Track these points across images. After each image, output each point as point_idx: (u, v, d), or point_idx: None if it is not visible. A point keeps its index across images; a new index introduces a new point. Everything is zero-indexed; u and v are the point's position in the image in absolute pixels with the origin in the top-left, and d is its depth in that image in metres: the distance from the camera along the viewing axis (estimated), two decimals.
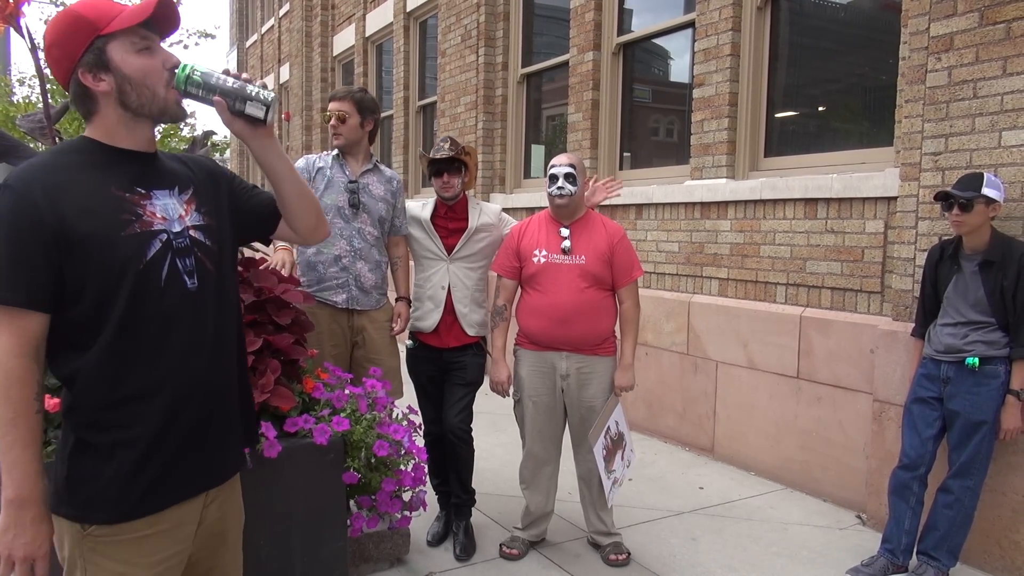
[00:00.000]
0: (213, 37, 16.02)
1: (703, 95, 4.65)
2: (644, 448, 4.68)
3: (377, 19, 9.81)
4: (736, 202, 4.45)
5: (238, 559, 1.67)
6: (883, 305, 3.69)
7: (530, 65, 6.80)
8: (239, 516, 1.66)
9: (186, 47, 14.17)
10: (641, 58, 5.74)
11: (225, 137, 17.51)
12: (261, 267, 2.71)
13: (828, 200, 3.93)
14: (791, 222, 4.13)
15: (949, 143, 3.20)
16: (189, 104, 1.53)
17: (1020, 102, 2.96)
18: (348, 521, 2.62)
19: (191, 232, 1.46)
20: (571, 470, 3.28)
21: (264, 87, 1.46)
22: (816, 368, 3.96)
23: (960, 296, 2.91)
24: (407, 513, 2.79)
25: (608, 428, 3.04)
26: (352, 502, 2.66)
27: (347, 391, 2.68)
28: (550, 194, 3.02)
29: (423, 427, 3.26)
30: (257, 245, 2.01)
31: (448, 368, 3.24)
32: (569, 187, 2.97)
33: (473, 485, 3.31)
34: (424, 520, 3.28)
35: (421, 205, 3.36)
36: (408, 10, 8.81)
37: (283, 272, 2.79)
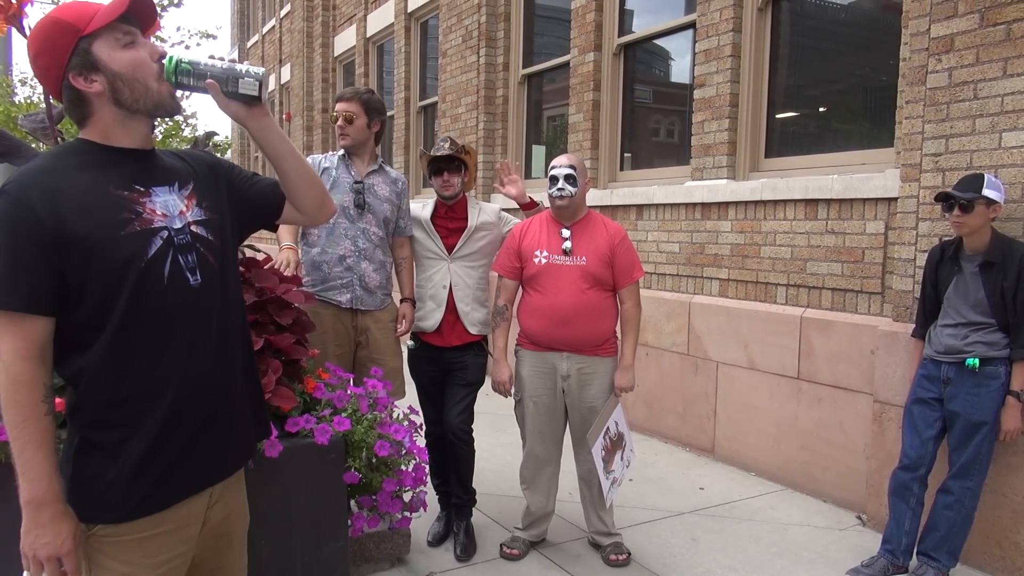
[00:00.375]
0: (214, 37, 16.06)
1: (704, 96, 4.66)
2: (644, 449, 4.69)
3: (378, 20, 9.82)
4: (737, 203, 4.45)
5: (242, 559, 1.67)
6: (883, 306, 3.69)
7: (531, 66, 6.81)
8: (244, 517, 1.66)
9: (187, 47, 14.18)
10: (642, 59, 5.75)
11: (226, 137, 17.53)
12: (264, 267, 2.71)
13: (829, 201, 3.93)
14: (792, 223, 4.13)
15: (949, 144, 3.21)
16: (190, 103, 1.54)
17: (1020, 103, 2.96)
18: (349, 521, 2.62)
19: (192, 228, 1.46)
20: (571, 471, 3.28)
21: (251, 65, 1.48)
22: (816, 369, 3.96)
23: (960, 297, 2.91)
24: (408, 513, 2.80)
25: (607, 428, 3.05)
26: (353, 502, 2.67)
27: (348, 391, 2.68)
28: (551, 195, 3.02)
29: (424, 427, 3.27)
30: (260, 245, 2.01)
31: (449, 368, 3.24)
32: (569, 188, 2.97)
33: (474, 485, 3.31)
34: (425, 520, 3.28)
35: (421, 205, 3.36)
36: (409, 11, 8.82)
37: (288, 271, 2.79)
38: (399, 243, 3.31)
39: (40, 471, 1.31)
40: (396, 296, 3.31)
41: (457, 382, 3.23)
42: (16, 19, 2.47)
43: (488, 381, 3.26)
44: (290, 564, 2.44)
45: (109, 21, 1.37)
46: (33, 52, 1.40)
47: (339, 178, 3.16)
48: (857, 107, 4.25)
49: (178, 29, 25.05)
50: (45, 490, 1.32)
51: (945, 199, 2.88)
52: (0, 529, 1.91)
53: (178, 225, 1.44)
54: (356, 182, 3.16)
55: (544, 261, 3.00)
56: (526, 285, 3.10)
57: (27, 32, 2.48)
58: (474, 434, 3.26)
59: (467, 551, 3.17)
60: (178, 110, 1.51)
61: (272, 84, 15.13)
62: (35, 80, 14.28)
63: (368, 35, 10.18)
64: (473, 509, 3.33)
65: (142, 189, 1.42)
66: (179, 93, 1.48)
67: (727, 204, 4.51)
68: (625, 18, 5.62)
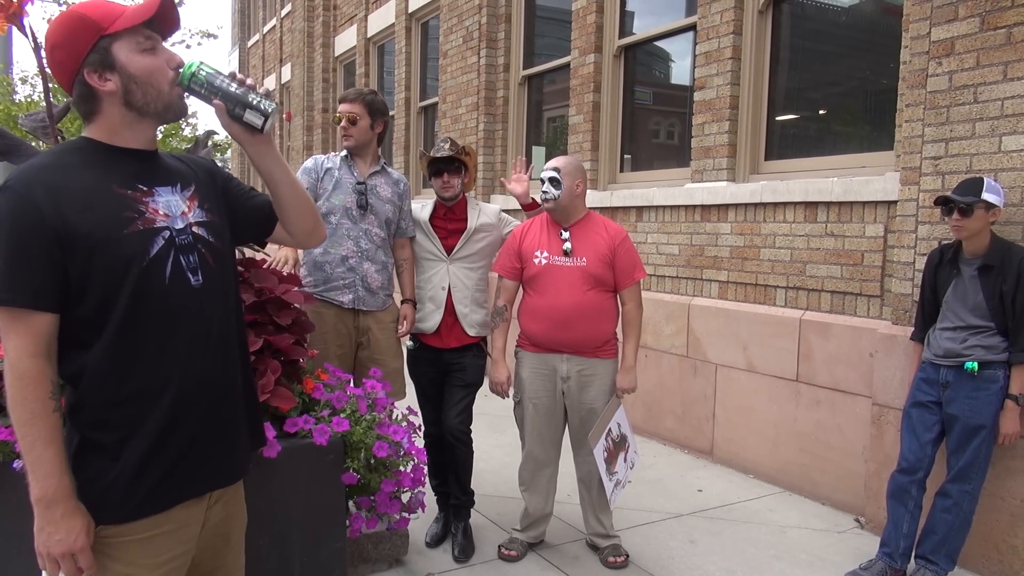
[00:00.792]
0: (215, 37, 16.05)
1: (704, 98, 4.66)
2: (643, 450, 4.68)
3: (379, 20, 9.82)
4: (736, 205, 4.45)
5: (240, 559, 1.67)
6: (883, 309, 3.69)
7: (531, 67, 6.81)
8: (242, 517, 1.66)
9: (188, 47, 14.18)
10: (642, 61, 5.75)
11: (226, 137, 17.53)
12: (263, 267, 2.71)
13: (828, 204, 3.93)
14: (791, 225, 4.14)
15: (949, 147, 3.21)
16: (191, 104, 1.54)
17: (1020, 107, 2.96)
18: (347, 522, 2.62)
19: (194, 229, 1.47)
20: (570, 472, 3.28)
21: (267, 96, 1.47)
22: (815, 371, 3.96)
23: (959, 300, 2.91)
24: (406, 514, 2.80)
25: (609, 430, 3.04)
26: (351, 503, 2.66)
27: (347, 392, 2.68)
28: (540, 198, 3.04)
29: (422, 428, 3.26)
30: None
31: (448, 369, 3.24)
32: (553, 191, 2.98)
33: (472, 486, 3.31)
34: (423, 521, 3.28)
35: (420, 206, 3.36)
36: (410, 11, 8.82)
37: (287, 270, 2.79)
38: (400, 244, 3.31)
39: (50, 468, 1.31)
40: (397, 297, 3.31)
41: (456, 383, 3.23)
42: (16, 18, 2.47)
43: (487, 382, 3.26)
44: (288, 565, 2.44)
45: (133, 25, 1.38)
46: (51, 43, 1.39)
47: (341, 179, 3.16)
48: (857, 110, 4.25)
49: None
50: (56, 487, 1.31)
51: (944, 203, 2.88)
52: None
53: (180, 225, 1.44)
54: (359, 183, 3.16)
55: (544, 262, 3.00)
56: (526, 286, 3.10)
57: (27, 31, 2.48)
58: (473, 435, 3.26)
59: (465, 552, 3.17)
60: (185, 113, 1.51)
61: (272, 84, 15.12)
62: (35, 79, 14.29)
63: (369, 35, 10.18)
64: (471, 510, 3.33)
65: (145, 189, 1.42)
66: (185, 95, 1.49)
67: (727, 206, 4.52)
68: (626, 20, 5.63)
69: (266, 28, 16.06)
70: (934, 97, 3.25)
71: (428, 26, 8.79)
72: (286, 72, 14.02)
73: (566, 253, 2.99)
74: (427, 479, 2.98)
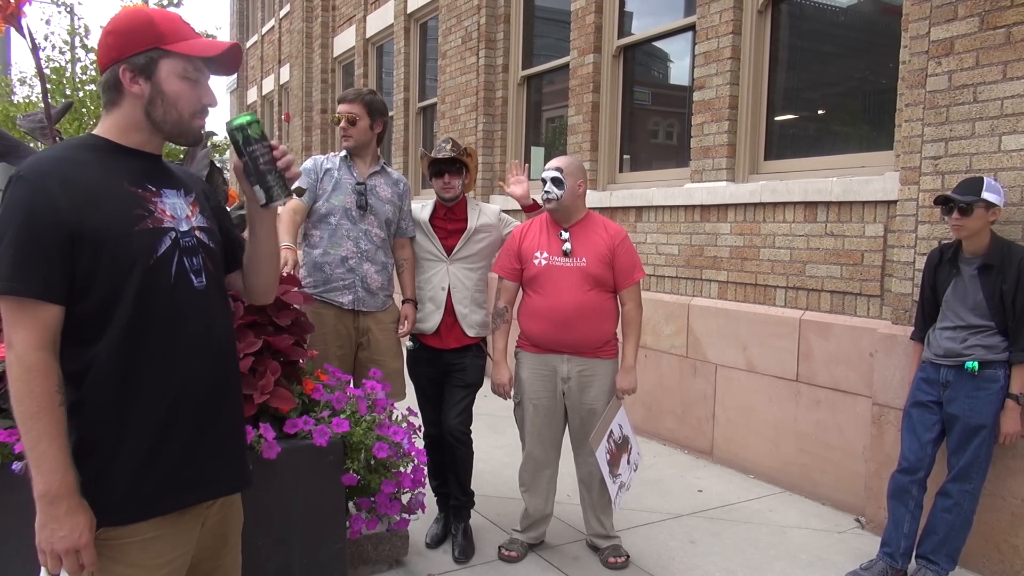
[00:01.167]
0: (214, 38, 16.02)
1: (703, 98, 4.66)
2: (643, 450, 4.65)
3: (378, 20, 9.82)
4: (736, 205, 4.45)
5: (238, 559, 1.67)
6: (882, 309, 3.69)
7: (530, 67, 6.81)
8: (239, 518, 1.66)
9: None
10: (641, 61, 5.75)
11: (225, 138, 17.52)
12: None
13: (828, 203, 3.93)
14: (791, 225, 4.13)
15: (949, 147, 3.21)
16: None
17: (1020, 107, 2.96)
18: (347, 523, 2.61)
19: (197, 233, 1.49)
20: (570, 472, 3.28)
21: (287, 181, 1.50)
22: (815, 371, 3.96)
23: (959, 300, 2.91)
24: (406, 515, 2.79)
25: (611, 432, 3.04)
26: (351, 504, 2.66)
27: (347, 392, 2.68)
28: (541, 198, 3.04)
29: (422, 429, 3.26)
30: None
31: (448, 370, 3.24)
32: (555, 191, 2.97)
33: (472, 487, 3.30)
34: (423, 522, 3.28)
35: (420, 206, 3.36)
36: (409, 12, 8.82)
37: (286, 270, 2.78)
38: (401, 244, 3.31)
39: (55, 463, 1.30)
40: (398, 297, 3.30)
41: (456, 383, 3.22)
42: (15, 18, 2.46)
43: (487, 383, 3.25)
44: (288, 566, 2.44)
45: (191, 54, 1.41)
46: (111, 27, 1.43)
47: (341, 179, 3.15)
48: (856, 110, 4.25)
49: None
50: (60, 482, 1.30)
51: (944, 202, 2.88)
52: None
53: (184, 228, 1.46)
54: (358, 183, 3.16)
55: (544, 263, 3.00)
56: (526, 287, 3.09)
57: (25, 32, 2.47)
58: (472, 436, 3.25)
59: (465, 553, 3.16)
60: (198, 142, 1.53)
61: (271, 85, 15.12)
62: (34, 80, 14.27)
63: (368, 36, 10.18)
64: (471, 511, 3.33)
65: (154, 189, 1.44)
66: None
67: (726, 206, 4.51)
68: (625, 20, 5.62)
69: (265, 29, 16.05)
70: (934, 97, 3.25)
71: (427, 27, 8.79)
72: (285, 73, 14.02)
73: (566, 253, 2.99)
74: (427, 480, 2.97)
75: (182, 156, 3.23)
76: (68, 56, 12.03)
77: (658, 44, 5.60)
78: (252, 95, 16.87)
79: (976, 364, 2.83)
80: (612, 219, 3.35)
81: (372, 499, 2.64)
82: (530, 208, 3.34)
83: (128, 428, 1.38)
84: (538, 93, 6.91)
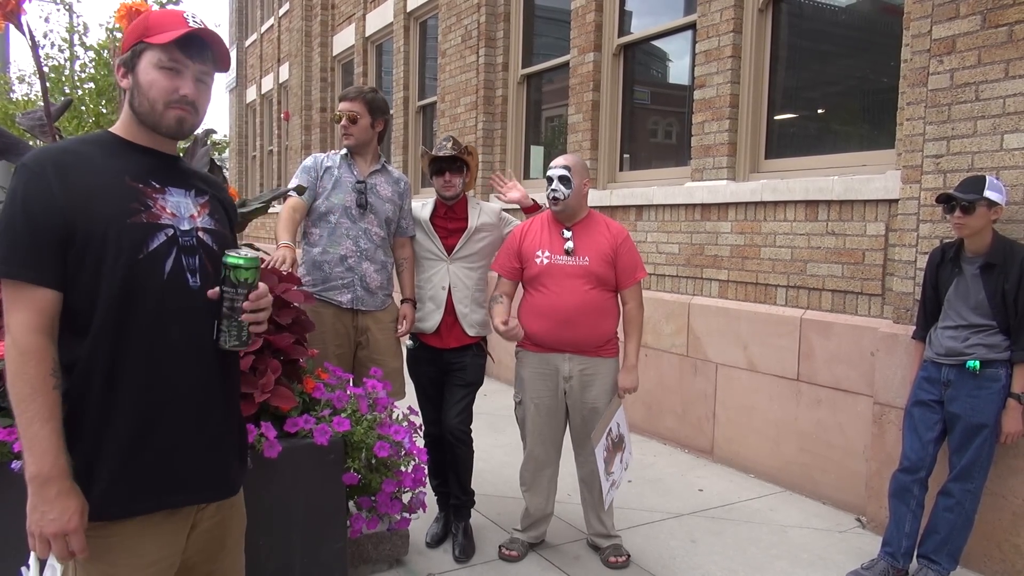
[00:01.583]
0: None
1: (704, 96, 4.65)
2: (643, 450, 4.68)
3: (377, 19, 9.80)
4: (736, 204, 4.45)
5: (239, 563, 1.65)
6: (884, 308, 3.68)
7: (530, 66, 6.80)
8: (240, 521, 1.64)
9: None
10: (642, 59, 5.74)
11: (225, 136, 17.49)
12: (262, 266, 2.70)
13: (829, 202, 3.93)
14: (792, 224, 4.13)
15: (951, 146, 3.20)
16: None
17: (1022, 105, 2.95)
18: (348, 522, 2.61)
19: (200, 233, 1.48)
20: (570, 472, 3.27)
21: (239, 336, 1.46)
22: (816, 370, 3.95)
23: (961, 299, 2.91)
24: (407, 514, 2.78)
25: (610, 430, 3.03)
26: (352, 503, 2.65)
27: (348, 391, 2.67)
28: (547, 196, 3.02)
29: (423, 428, 3.25)
30: (260, 244, 2.01)
31: (448, 369, 3.23)
32: (563, 189, 2.96)
33: (472, 486, 3.30)
34: (423, 521, 3.27)
35: (421, 205, 3.35)
36: (408, 10, 8.81)
37: (284, 268, 2.77)
38: (400, 243, 3.30)
39: (47, 445, 1.30)
40: (397, 296, 3.29)
41: (456, 382, 3.21)
42: (14, 15, 2.45)
43: (487, 382, 3.24)
44: (288, 565, 2.43)
45: (161, 43, 1.42)
46: (125, 29, 1.54)
47: (341, 178, 3.14)
48: (858, 108, 4.25)
49: None
50: (52, 465, 1.30)
51: (946, 200, 2.88)
52: None
53: (186, 227, 1.45)
54: (358, 182, 3.15)
55: (546, 261, 2.99)
56: (527, 286, 3.08)
57: (24, 29, 2.46)
58: (473, 435, 3.24)
59: (466, 552, 3.15)
60: (179, 136, 1.51)
61: (270, 83, 15.09)
62: (33, 77, 14.25)
63: (367, 34, 10.16)
64: (472, 510, 3.32)
65: (157, 186, 1.45)
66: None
67: (727, 205, 4.51)
68: (625, 18, 5.62)
69: (264, 27, 16.03)
70: (935, 95, 3.24)
71: (427, 25, 8.78)
72: (284, 71, 13.99)
73: (568, 252, 2.98)
74: (427, 479, 2.97)
75: (181, 155, 3.22)
76: (67, 54, 12.01)
77: (658, 43, 5.59)
78: (251, 93, 16.85)
79: (977, 363, 2.82)
80: (612, 218, 3.35)
81: (373, 498, 2.63)
82: (531, 209, 3.33)
83: (110, 423, 1.37)
84: (538, 92, 6.91)
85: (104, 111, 10.46)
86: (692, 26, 4.84)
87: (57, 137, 2.72)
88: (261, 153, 16.05)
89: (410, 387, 3.30)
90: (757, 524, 3.61)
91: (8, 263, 1.32)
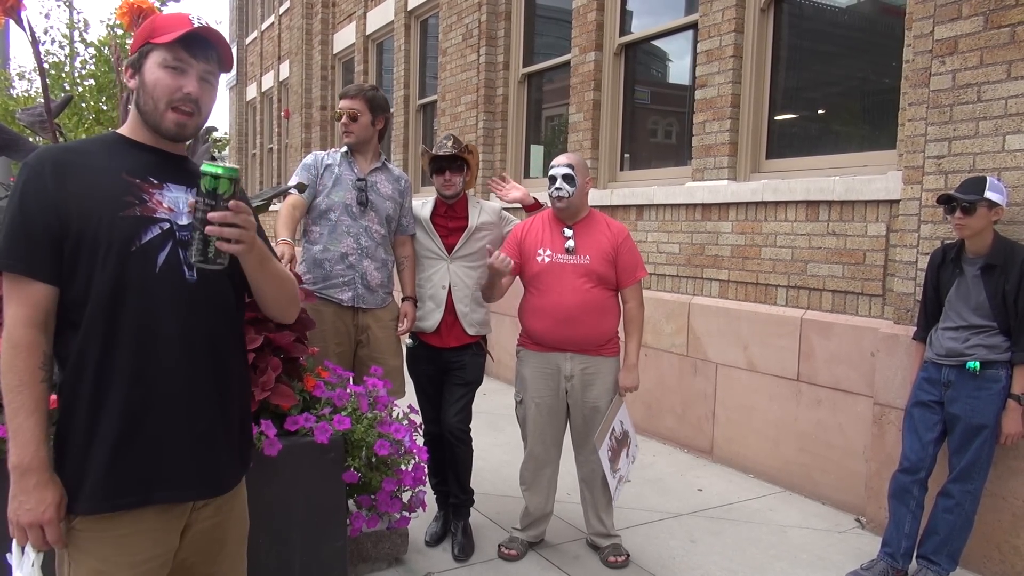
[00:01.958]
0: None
1: (705, 96, 4.65)
2: (643, 449, 4.67)
3: (378, 17, 9.79)
4: (737, 204, 4.44)
5: (240, 566, 1.64)
6: (884, 308, 3.68)
7: (531, 65, 6.79)
8: (241, 523, 1.63)
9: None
10: (643, 59, 5.74)
11: (225, 133, 17.47)
12: None
13: (830, 203, 3.92)
14: (792, 224, 4.13)
15: (952, 147, 3.20)
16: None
17: None
18: (347, 520, 2.60)
19: None
20: (570, 471, 3.27)
21: (204, 252, 1.36)
22: (816, 371, 3.95)
23: (962, 300, 2.91)
24: (406, 513, 2.78)
25: (613, 429, 3.03)
26: (351, 501, 2.65)
27: (348, 389, 2.67)
28: (550, 195, 3.01)
29: (422, 427, 3.25)
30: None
31: (448, 368, 3.22)
32: (567, 188, 2.96)
33: (472, 485, 3.30)
34: (423, 520, 3.27)
35: (421, 204, 3.34)
36: (409, 8, 8.80)
37: (283, 264, 2.76)
38: (401, 241, 3.29)
39: (28, 437, 1.33)
40: (397, 295, 3.29)
41: (455, 381, 3.21)
42: (14, 11, 2.45)
43: (486, 380, 3.24)
44: (288, 564, 2.42)
45: (164, 42, 1.44)
46: (127, 26, 1.62)
47: (342, 175, 3.14)
48: (859, 109, 4.24)
49: None
50: (32, 456, 1.33)
51: (947, 201, 2.87)
52: None
53: (183, 222, 1.45)
54: (359, 179, 3.14)
55: (547, 260, 2.99)
56: (528, 285, 3.08)
57: (24, 25, 2.46)
58: (472, 434, 3.24)
59: (465, 551, 3.15)
60: (176, 139, 1.50)
61: (271, 81, 15.08)
62: (32, 74, 14.19)
63: (368, 33, 10.15)
64: (471, 509, 3.32)
65: (155, 182, 1.46)
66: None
67: (728, 205, 4.50)
68: (626, 18, 5.61)
69: (264, 25, 16.01)
70: (937, 96, 3.24)
71: (427, 24, 8.77)
72: (284, 69, 13.98)
73: (569, 251, 2.98)
74: (427, 478, 2.96)
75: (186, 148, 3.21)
76: (67, 51, 11.98)
77: (660, 42, 5.58)
78: (252, 91, 16.83)
79: (978, 364, 2.82)
80: (613, 218, 3.35)
81: (373, 497, 2.62)
82: (532, 207, 3.32)
83: (99, 416, 1.37)
84: (539, 91, 6.90)
85: (104, 108, 10.44)
86: (693, 26, 4.83)
87: (57, 133, 2.71)
88: (261, 151, 16.04)
89: (410, 386, 3.29)
90: (757, 524, 3.61)
91: (5, 256, 1.35)
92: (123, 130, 1.51)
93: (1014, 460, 2.97)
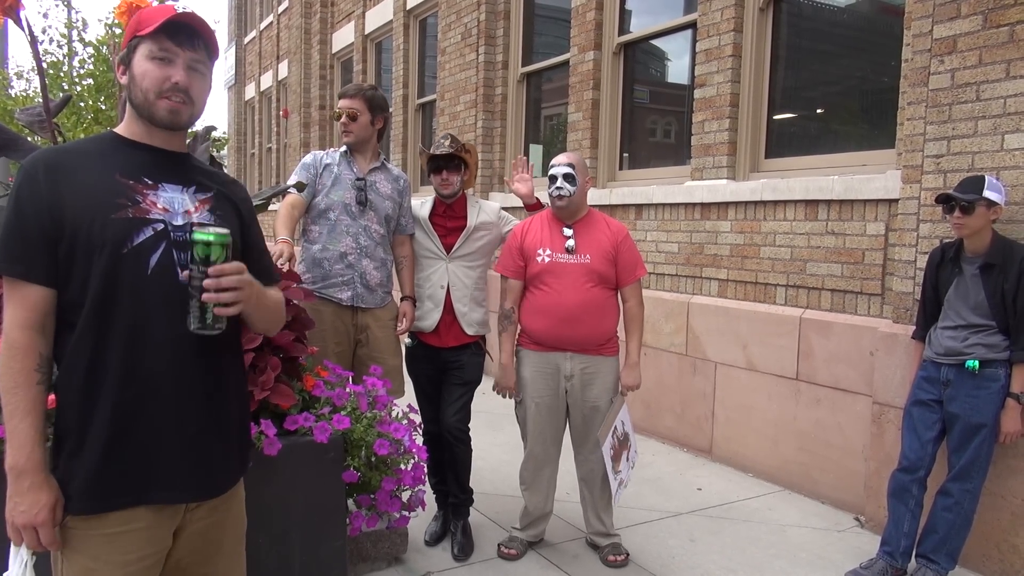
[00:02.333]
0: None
1: (704, 95, 4.65)
2: (642, 449, 4.67)
3: (377, 17, 9.79)
4: (736, 203, 4.44)
5: (238, 566, 1.63)
6: (883, 307, 3.68)
7: (530, 64, 6.79)
8: (238, 524, 1.62)
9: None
10: (642, 58, 5.74)
11: (225, 133, 17.46)
12: None
13: (829, 202, 3.93)
14: (791, 223, 4.13)
15: (951, 146, 3.20)
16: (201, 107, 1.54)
17: (1023, 105, 2.95)
18: (347, 520, 2.60)
19: (195, 228, 1.45)
20: (569, 470, 3.27)
21: (203, 319, 1.38)
22: (816, 370, 3.95)
23: (961, 299, 2.91)
24: (406, 512, 2.78)
25: (615, 428, 3.03)
26: (351, 501, 2.65)
27: (348, 389, 2.66)
28: (550, 195, 3.00)
29: (422, 426, 3.25)
30: None
31: (447, 367, 3.22)
32: (568, 187, 2.96)
33: (471, 485, 3.30)
34: (422, 520, 3.27)
35: (420, 203, 3.34)
36: (408, 8, 8.79)
37: (282, 263, 2.76)
38: (400, 241, 3.29)
39: (24, 439, 1.34)
40: (396, 294, 3.29)
41: (454, 381, 3.21)
42: (12, 11, 2.44)
43: (486, 380, 3.24)
44: (288, 563, 2.42)
45: (149, 32, 1.44)
46: (126, 25, 1.58)
47: (341, 175, 3.14)
48: (858, 108, 4.24)
49: None
50: (27, 457, 1.34)
51: (946, 200, 2.88)
52: None
53: (178, 222, 1.45)
54: (358, 179, 3.14)
55: (548, 259, 2.99)
56: (529, 284, 3.07)
57: (23, 24, 2.45)
58: (471, 433, 3.24)
59: (464, 551, 3.15)
60: (171, 127, 1.48)
61: (269, 80, 15.07)
62: (31, 73, 14.17)
63: (367, 32, 10.15)
64: (470, 508, 3.32)
65: (150, 182, 1.45)
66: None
67: (727, 204, 4.51)
68: (625, 17, 5.61)
69: (263, 24, 16.00)
70: (936, 95, 3.24)
71: (426, 23, 8.77)
72: (283, 69, 13.97)
73: (569, 250, 2.98)
74: (427, 477, 2.96)
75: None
76: (66, 50, 11.97)
77: (659, 41, 5.58)
78: (250, 91, 16.82)
79: (976, 363, 2.82)
80: (612, 217, 3.35)
81: (372, 496, 2.62)
82: (533, 207, 3.32)
83: (91, 417, 1.38)
84: (538, 90, 6.90)
85: (103, 107, 10.43)
86: (692, 25, 4.83)
87: (56, 133, 2.71)
88: (260, 150, 16.03)
89: (409, 385, 3.29)
90: (756, 523, 3.61)
91: (2, 260, 1.36)
92: (119, 129, 1.51)
93: (1013, 459, 2.98)
